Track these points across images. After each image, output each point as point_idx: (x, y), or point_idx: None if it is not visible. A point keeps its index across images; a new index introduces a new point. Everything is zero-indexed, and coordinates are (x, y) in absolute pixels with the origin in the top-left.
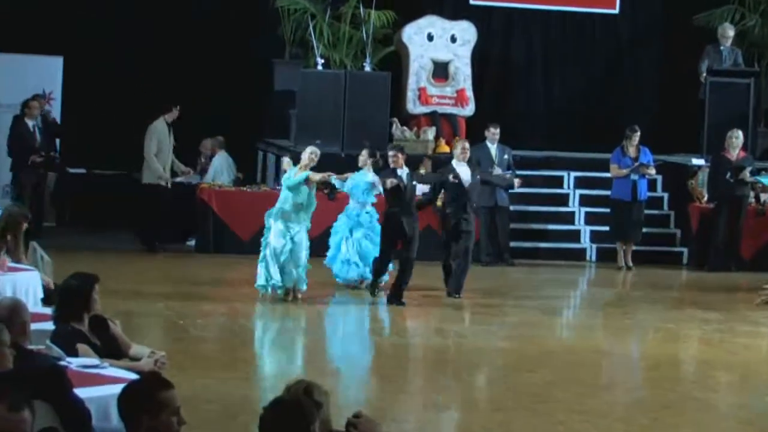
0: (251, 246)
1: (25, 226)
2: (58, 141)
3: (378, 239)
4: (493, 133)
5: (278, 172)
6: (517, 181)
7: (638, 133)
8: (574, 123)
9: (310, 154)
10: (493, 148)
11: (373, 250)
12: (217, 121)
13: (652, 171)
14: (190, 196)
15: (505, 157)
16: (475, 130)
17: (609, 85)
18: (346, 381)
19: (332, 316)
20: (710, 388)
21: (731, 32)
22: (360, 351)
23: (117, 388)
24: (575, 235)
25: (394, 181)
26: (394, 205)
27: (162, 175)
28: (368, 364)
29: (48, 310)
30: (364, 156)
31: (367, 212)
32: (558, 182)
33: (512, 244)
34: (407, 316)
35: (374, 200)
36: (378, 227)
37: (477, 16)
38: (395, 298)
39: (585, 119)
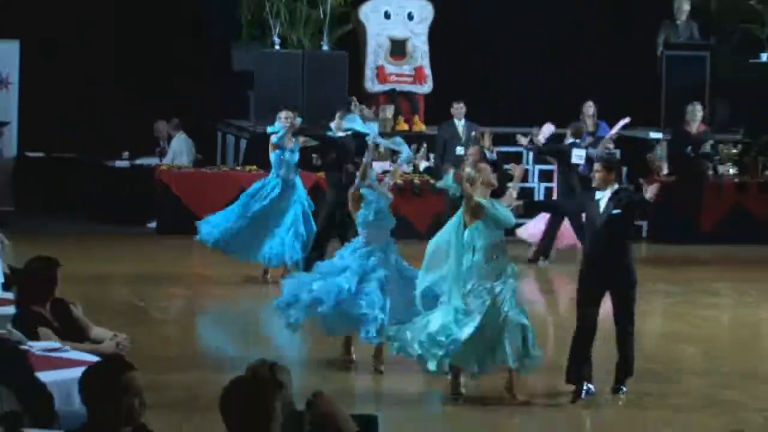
0: None
1: None
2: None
3: None
4: (457, 108)
5: (237, 153)
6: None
7: (591, 106)
8: (535, 97)
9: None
10: (460, 124)
11: None
12: (176, 104)
13: (610, 144)
14: (148, 178)
15: (473, 134)
16: (434, 108)
17: (566, 58)
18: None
19: None
20: (674, 359)
21: (687, 6)
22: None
23: (79, 372)
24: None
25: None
26: None
27: None
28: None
29: (8, 295)
30: None
31: None
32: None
33: None
34: None
35: None
36: None
37: None
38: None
39: (543, 94)
